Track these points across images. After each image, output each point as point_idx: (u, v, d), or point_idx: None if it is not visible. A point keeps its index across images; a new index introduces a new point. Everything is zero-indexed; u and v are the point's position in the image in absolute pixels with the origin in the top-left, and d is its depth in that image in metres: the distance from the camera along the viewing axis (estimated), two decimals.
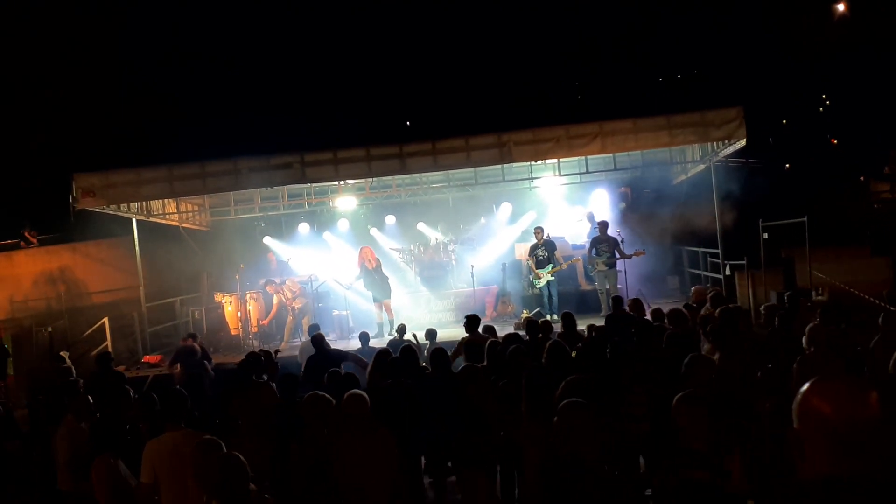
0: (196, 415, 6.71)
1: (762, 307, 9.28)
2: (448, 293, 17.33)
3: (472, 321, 10.29)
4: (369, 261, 15.46)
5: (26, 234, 20.00)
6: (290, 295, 15.87)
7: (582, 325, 10.79)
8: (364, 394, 5.99)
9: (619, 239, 15.57)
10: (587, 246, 16.09)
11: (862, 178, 20.78)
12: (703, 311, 11.21)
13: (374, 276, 15.39)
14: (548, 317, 14.80)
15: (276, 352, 11.19)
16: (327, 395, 6.23)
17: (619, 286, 15.12)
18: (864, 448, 4.53)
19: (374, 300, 15.60)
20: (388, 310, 15.42)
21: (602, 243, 15.25)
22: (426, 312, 16.73)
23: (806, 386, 4.88)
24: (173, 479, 5.47)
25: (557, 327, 10.90)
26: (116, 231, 17.65)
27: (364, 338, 11.23)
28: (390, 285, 15.72)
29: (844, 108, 24.29)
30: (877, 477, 4.49)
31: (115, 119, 25.41)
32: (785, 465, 5.00)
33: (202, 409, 7.68)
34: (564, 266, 15.50)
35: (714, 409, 5.44)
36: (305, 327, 15.34)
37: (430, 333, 11.25)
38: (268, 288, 16.00)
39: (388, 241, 19.11)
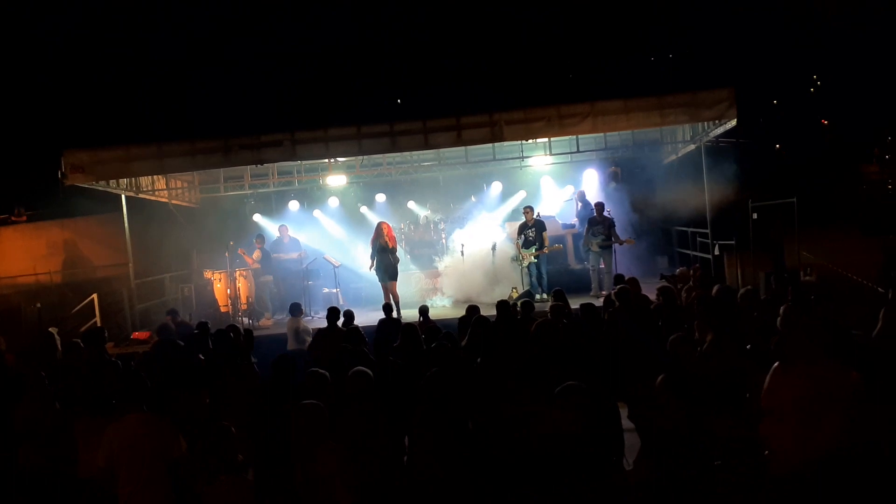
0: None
1: (739, 293, 9.24)
2: (437, 272, 17.32)
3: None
4: (389, 238, 14.95)
5: (13, 216, 19.93)
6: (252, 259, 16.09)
7: (574, 305, 10.85)
8: (368, 371, 6.03)
9: (611, 219, 15.60)
10: (583, 226, 16.14)
11: (877, 150, 20.71)
12: (683, 291, 11.31)
13: (389, 255, 14.85)
14: (537, 296, 14.86)
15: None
16: (325, 372, 6.27)
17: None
18: (829, 427, 4.63)
19: (381, 280, 15.01)
20: (394, 292, 14.91)
21: (598, 224, 15.31)
22: (416, 291, 16.74)
23: (775, 366, 4.99)
24: (132, 465, 5.36)
25: (544, 305, 10.97)
26: (105, 208, 17.58)
27: (348, 315, 11.20)
28: (398, 269, 15.19)
29: (835, 90, 24.31)
30: (843, 455, 4.58)
31: (105, 96, 25.24)
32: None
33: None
34: (547, 251, 15.46)
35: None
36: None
37: (423, 309, 11.27)
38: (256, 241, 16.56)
39: (377, 219, 19.06)
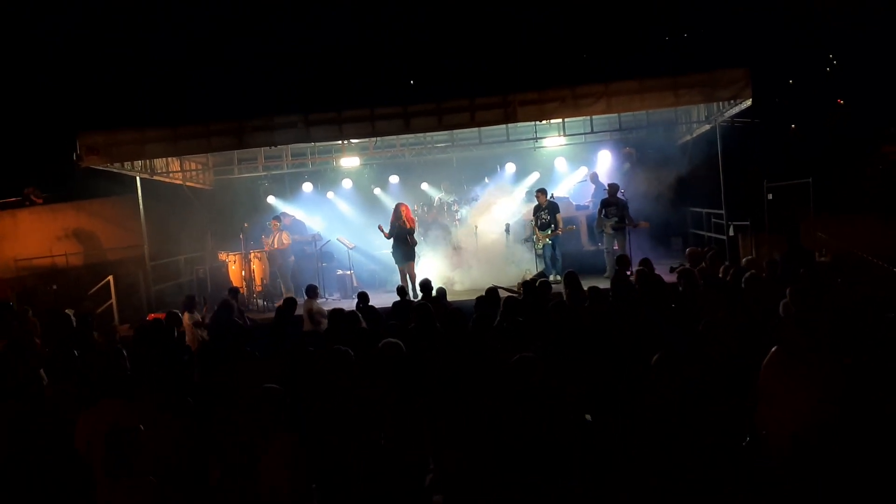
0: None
1: (743, 279, 9.17)
2: (451, 253, 17.27)
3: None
4: (407, 219, 14.97)
5: (31, 196, 20.02)
6: (275, 243, 16.11)
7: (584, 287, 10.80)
8: (399, 343, 6.02)
9: (625, 201, 15.53)
10: (596, 207, 16.09)
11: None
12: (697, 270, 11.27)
13: (407, 237, 14.87)
14: (551, 277, 14.84)
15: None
16: (349, 350, 6.26)
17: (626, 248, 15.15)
18: (822, 414, 4.69)
19: (398, 262, 15.01)
20: (412, 274, 14.90)
21: (611, 206, 15.24)
22: (429, 273, 16.71)
23: (773, 350, 5.06)
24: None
25: (557, 287, 10.96)
26: (120, 190, 17.64)
27: (363, 297, 11.23)
28: (416, 251, 15.23)
29: (852, 69, 24.09)
30: (835, 442, 4.63)
31: (120, 78, 25.29)
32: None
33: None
34: (561, 232, 15.43)
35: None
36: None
37: (440, 290, 11.31)
38: (273, 222, 16.53)
39: (391, 200, 19.04)
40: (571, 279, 10.10)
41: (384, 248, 16.31)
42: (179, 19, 26.58)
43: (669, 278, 11.38)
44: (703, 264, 11.85)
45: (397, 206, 15.20)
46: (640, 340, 6.66)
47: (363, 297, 11.18)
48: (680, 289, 9.62)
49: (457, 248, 16.86)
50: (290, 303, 10.71)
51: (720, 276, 10.38)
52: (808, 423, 4.74)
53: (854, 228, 14.21)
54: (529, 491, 4.90)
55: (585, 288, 9.57)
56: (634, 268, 11.58)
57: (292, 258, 16.57)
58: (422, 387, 6.32)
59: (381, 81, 26.26)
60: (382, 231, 15.15)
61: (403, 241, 14.83)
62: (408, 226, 14.90)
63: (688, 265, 12.22)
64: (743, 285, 8.89)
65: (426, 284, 11.29)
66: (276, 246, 16.16)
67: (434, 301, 10.63)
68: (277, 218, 16.73)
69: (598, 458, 5.02)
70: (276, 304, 15.50)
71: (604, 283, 13.15)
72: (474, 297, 9.93)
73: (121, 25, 25.97)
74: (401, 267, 14.91)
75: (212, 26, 26.71)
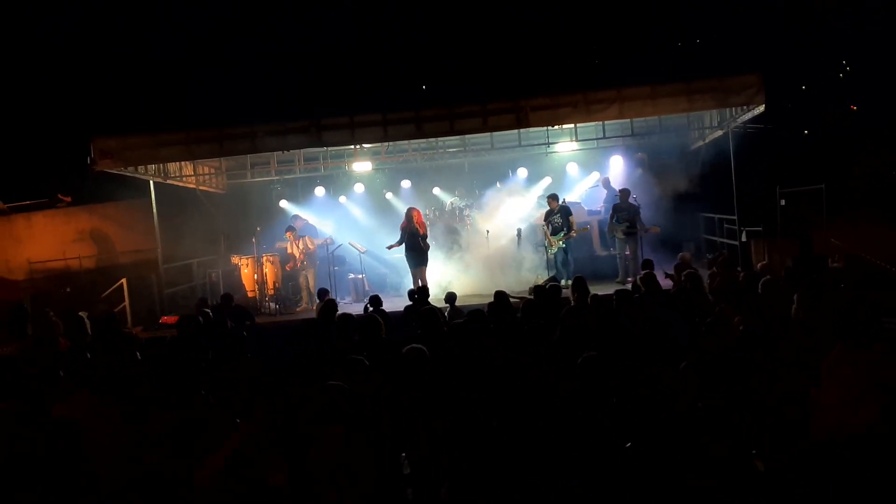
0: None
1: (760, 282, 9.12)
2: (463, 258, 17.28)
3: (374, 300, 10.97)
4: (419, 224, 15.04)
5: (59, 196, 20.26)
6: (300, 248, 16.05)
7: (602, 292, 10.82)
8: (423, 348, 6.06)
9: (637, 206, 15.51)
10: (608, 212, 16.10)
11: None
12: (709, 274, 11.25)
13: (419, 241, 14.94)
14: (562, 282, 14.84)
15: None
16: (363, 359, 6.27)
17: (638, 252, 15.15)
18: (876, 408, 4.67)
19: (410, 267, 15.12)
20: (423, 278, 14.92)
21: (622, 211, 15.26)
22: (438, 276, 16.72)
23: (836, 349, 5.05)
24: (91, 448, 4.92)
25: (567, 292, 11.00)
26: (134, 193, 17.76)
27: (375, 301, 11.27)
28: (428, 255, 15.24)
29: (865, 75, 23.99)
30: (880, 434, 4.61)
31: (134, 83, 25.42)
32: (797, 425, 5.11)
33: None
34: (575, 235, 15.43)
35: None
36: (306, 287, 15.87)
37: (451, 295, 11.37)
38: (287, 233, 16.34)
39: (403, 205, 19.07)
40: (579, 284, 10.13)
41: (396, 252, 16.33)
42: (182, 20, 26.71)
43: (665, 283, 11.41)
44: (714, 269, 11.83)
45: (409, 211, 15.24)
46: (648, 342, 6.66)
47: (374, 301, 11.24)
48: (686, 290, 9.63)
49: (467, 253, 16.85)
50: (331, 304, 10.68)
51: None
52: (856, 422, 4.73)
53: (868, 234, 14.13)
54: (529, 491, 4.91)
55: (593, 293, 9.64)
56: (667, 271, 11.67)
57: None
58: (427, 388, 6.36)
59: (388, 83, 26.29)
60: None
61: (415, 245, 14.88)
62: (420, 231, 14.94)
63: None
64: (760, 290, 8.86)
65: (423, 290, 11.37)
66: (303, 251, 16.17)
67: (426, 305, 10.69)
68: (291, 228, 16.47)
69: (599, 458, 5.02)
70: (297, 308, 15.66)
71: (616, 288, 13.21)
72: (482, 302, 9.96)
73: (125, 25, 26.12)
74: (413, 271, 14.97)
75: (214, 26, 26.82)
